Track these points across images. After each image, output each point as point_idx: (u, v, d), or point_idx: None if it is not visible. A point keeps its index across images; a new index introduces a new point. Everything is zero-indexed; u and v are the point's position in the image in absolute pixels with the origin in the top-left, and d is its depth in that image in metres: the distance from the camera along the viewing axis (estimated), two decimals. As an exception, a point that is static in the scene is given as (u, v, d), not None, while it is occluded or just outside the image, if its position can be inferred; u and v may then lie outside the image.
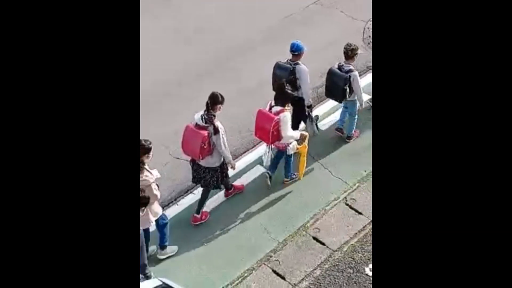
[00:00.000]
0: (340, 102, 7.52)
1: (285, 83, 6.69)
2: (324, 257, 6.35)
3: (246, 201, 7.00)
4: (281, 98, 6.64)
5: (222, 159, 6.49)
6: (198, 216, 6.71)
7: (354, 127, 7.67)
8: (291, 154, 6.87)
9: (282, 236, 6.60)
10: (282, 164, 7.12)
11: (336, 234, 6.56)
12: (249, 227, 6.72)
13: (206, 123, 6.29)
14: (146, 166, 5.84)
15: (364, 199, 6.90)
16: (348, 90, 7.14)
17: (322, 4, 10.30)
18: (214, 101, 6.30)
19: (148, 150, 5.82)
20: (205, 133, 6.24)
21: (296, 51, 7.02)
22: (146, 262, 5.97)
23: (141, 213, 5.53)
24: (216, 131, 6.27)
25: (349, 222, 6.67)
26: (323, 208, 6.88)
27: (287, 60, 7.11)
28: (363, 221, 6.65)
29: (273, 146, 6.80)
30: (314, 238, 6.56)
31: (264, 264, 6.33)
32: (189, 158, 6.65)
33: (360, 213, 6.76)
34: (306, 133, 7.02)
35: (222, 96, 6.34)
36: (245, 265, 6.34)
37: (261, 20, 9.85)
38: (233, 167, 6.69)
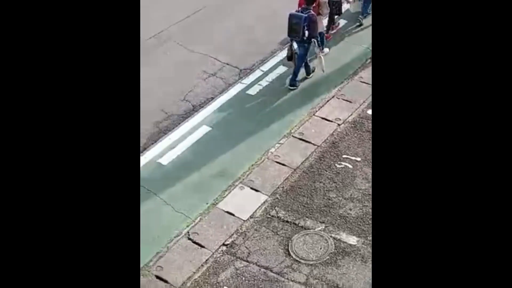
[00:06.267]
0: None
1: None
2: (167, 295, 6.29)
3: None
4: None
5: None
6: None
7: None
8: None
9: (124, 279, 6.45)
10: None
11: (179, 270, 6.51)
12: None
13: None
14: None
15: (206, 231, 6.94)
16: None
17: None
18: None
19: None
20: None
21: None
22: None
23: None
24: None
25: (192, 257, 6.65)
26: (166, 245, 6.82)
27: None
28: (206, 255, 6.67)
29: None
30: (157, 277, 6.46)
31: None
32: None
33: (202, 247, 6.78)
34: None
35: None
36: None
37: None
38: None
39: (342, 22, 10.72)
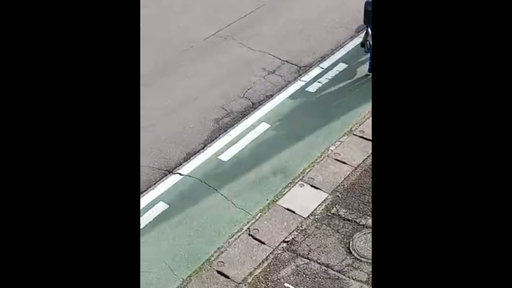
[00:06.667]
0: None
1: None
2: (229, 290, 6.34)
3: (148, 243, 6.91)
4: None
5: None
6: None
7: None
8: None
9: (186, 273, 6.55)
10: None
11: (240, 266, 6.57)
12: (153, 268, 6.62)
13: None
14: None
15: (267, 228, 6.97)
16: None
17: None
18: None
19: None
20: None
21: None
22: None
23: None
24: None
25: (253, 253, 6.69)
26: (227, 240, 6.89)
27: None
28: (266, 251, 6.70)
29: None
30: (219, 272, 6.52)
31: (169, 303, 6.25)
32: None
33: (263, 243, 6.80)
34: None
35: None
36: (149, 306, 6.24)
37: None
38: None
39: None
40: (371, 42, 9.08)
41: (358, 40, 10.08)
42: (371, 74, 9.27)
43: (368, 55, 9.28)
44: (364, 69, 9.38)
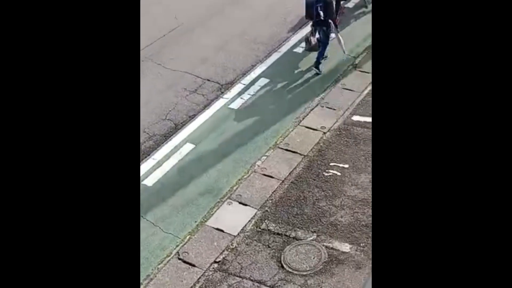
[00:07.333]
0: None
1: None
2: (160, 319, 6.12)
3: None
4: None
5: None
6: None
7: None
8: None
9: (115, 305, 6.28)
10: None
11: (171, 292, 6.37)
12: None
13: None
14: None
15: (197, 250, 6.79)
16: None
17: None
18: None
19: None
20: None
21: None
22: None
23: None
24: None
25: (183, 277, 6.50)
26: (156, 266, 6.66)
27: None
28: (197, 274, 6.52)
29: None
30: (149, 301, 6.31)
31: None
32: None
33: (193, 266, 6.62)
34: None
35: None
36: None
37: None
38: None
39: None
40: (314, 39, 9.47)
41: (278, 54, 10.19)
42: (318, 71, 9.61)
43: (309, 52, 9.77)
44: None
